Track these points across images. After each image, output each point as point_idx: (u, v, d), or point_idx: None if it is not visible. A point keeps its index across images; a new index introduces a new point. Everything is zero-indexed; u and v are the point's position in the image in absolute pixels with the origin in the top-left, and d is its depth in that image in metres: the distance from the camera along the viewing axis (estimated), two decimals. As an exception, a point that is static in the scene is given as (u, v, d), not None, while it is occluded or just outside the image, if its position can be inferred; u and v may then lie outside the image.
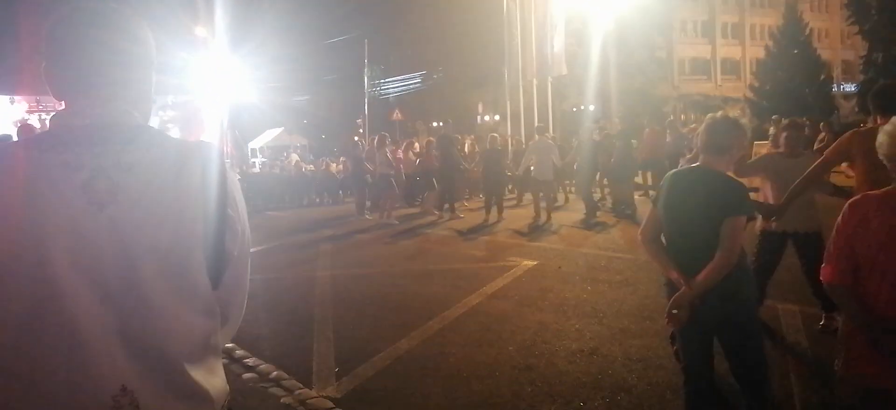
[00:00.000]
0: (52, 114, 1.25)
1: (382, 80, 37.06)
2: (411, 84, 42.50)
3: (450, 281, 7.24)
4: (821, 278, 2.33)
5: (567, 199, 14.57)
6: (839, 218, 2.28)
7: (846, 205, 2.27)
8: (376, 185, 13.31)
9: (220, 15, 27.06)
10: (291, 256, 9.54)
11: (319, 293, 6.89)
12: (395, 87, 43.15)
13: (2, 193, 1.11)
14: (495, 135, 14.18)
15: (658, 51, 37.12)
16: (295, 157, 21.46)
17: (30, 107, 26.13)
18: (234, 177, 1.32)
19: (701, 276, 2.71)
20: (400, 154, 16.10)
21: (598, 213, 11.87)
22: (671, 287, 2.88)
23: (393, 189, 13.13)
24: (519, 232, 10.58)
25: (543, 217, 11.63)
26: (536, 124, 14.19)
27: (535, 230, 10.74)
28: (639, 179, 14.57)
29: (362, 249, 10.09)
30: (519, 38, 23.21)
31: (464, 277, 7.44)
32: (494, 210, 12.16)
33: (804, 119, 18.69)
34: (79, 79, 1.20)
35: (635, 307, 5.78)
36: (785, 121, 6.34)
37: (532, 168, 12.25)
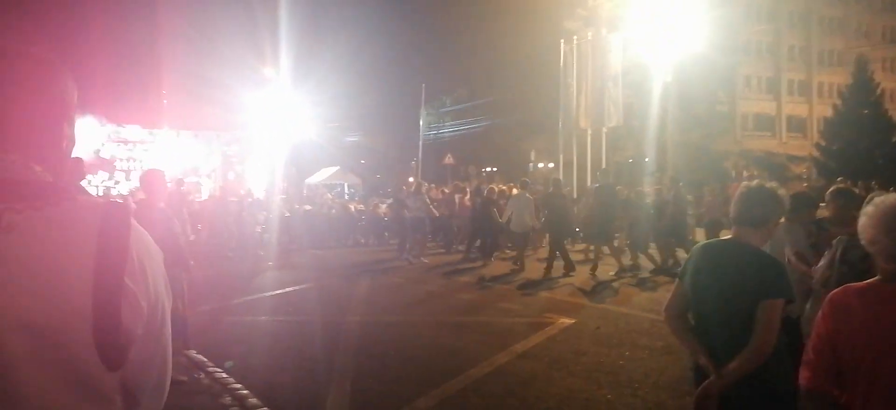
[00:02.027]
0: None
1: (436, 128, 37.35)
2: (462, 128, 42.73)
3: (480, 336, 6.95)
4: (799, 383, 1.97)
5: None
6: (819, 314, 1.93)
7: (826, 300, 1.92)
8: (412, 228, 13.63)
9: (285, 56, 28.13)
10: (325, 298, 9.40)
11: (345, 340, 6.70)
12: (449, 130, 43.51)
13: None
14: (493, 187, 14.72)
15: (719, 105, 36.18)
16: (328, 196, 21.86)
17: (113, 137, 27.81)
18: (145, 242, 1.14)
19: (733, 365, 2.38)
20: (466, 202, 16.14)
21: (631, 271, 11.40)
22: (699, 371, 2.56)
23: (425, 232, 13.72)
24: (560, 287, 10.19)
25: (519, 266, 11.98)
26: (521, 179, 14.37)
27: (577, 286, 10.32)
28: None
29: (397, 295, 9.89)
30: (574, 87, 23.02)
31: (495, 332, 7.13)
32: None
33: (872, 182, 17.67)
34: None
35: (675, 379, 5.34)
36: None
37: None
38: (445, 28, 52.27)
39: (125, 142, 28.26)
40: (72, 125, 1.17)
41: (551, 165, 35.36)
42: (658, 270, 11.46)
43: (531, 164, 38.89)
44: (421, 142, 34.90)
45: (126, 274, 1.07)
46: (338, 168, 36.34)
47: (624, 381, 5.32)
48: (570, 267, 11.33)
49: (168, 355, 1.22)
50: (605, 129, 22.41)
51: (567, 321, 7.56)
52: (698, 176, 24.57)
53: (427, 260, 13.44)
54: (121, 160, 28.35)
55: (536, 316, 7.97)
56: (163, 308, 1.17)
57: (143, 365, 1.14)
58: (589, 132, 22.40)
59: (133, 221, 1.13)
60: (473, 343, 6.62)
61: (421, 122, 35.76)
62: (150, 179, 5.08)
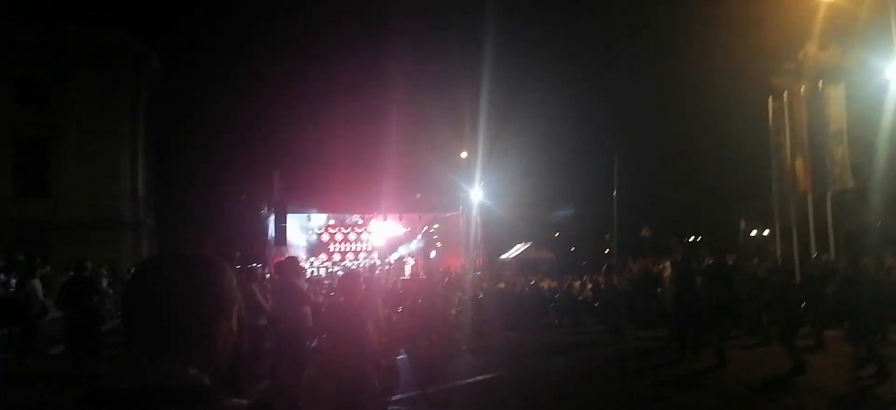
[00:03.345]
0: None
1: (631, 199, 35.89)
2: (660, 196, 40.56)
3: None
4: None
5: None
6: None
7: None
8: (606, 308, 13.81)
9: (481, 139, 29.69)
10: (517, 389, 9.10)
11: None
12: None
13: None
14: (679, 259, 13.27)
15: (980, 157, 30.31)
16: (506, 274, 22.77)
17: (331, 223, 31.40)
18: None
19: None
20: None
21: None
22: None
23: (622, 311, 13.82)
24: (800, 390, 8.56)
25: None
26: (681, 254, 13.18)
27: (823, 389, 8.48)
28: None
29: (592, 390, 9.25)
30: (787, 147, 20.91)
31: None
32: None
33: None
34: (137, 338, 1.17)
35: None
36: None
37: None
38: (639, 94, 50.90)
39: (341, 227, 31.60)
40: (230, 318, 1.22)
41: (766, 233, 32.00)
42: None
43: (741, 233, 35.60)
44: (616, 214, 33.79)
45: None
46: (530, 244, 36.41)
47: None
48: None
49: None
50: (829, 193, 19.89)
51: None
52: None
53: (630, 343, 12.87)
54: (335, 243, 31.52)
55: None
56: None
57: None
58: (810, 197, 20.02)
59: None
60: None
61: (614, 194, 34.72)
62: (346, 284, 5.44)
